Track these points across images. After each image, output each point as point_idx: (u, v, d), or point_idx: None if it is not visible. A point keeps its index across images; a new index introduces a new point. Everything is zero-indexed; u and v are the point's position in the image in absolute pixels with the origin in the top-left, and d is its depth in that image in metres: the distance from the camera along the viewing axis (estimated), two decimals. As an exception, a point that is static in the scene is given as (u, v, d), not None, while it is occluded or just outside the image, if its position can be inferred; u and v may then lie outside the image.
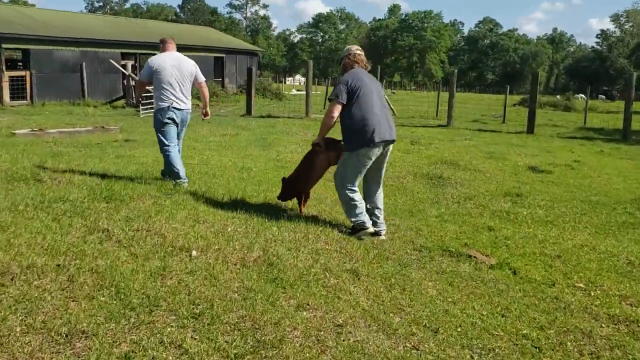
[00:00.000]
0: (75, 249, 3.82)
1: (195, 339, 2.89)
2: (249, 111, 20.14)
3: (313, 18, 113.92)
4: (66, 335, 2.76)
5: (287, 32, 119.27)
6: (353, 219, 5.28)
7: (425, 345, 3.19)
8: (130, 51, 27.79)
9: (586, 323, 3.74)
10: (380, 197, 5.50)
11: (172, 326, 2.97)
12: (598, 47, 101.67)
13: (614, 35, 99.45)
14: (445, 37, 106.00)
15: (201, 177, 7.38)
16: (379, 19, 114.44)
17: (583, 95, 55.67)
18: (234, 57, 35.61)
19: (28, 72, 23.15)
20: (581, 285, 4.50)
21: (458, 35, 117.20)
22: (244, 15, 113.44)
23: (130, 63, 25.86)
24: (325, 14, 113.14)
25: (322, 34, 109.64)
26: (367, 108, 5.13)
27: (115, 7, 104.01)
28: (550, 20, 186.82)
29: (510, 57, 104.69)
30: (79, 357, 2.63)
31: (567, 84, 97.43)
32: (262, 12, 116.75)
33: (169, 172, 6.68)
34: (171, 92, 6.51)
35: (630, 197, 8.09)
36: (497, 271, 4.69)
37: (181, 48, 26.71)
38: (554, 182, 9.17)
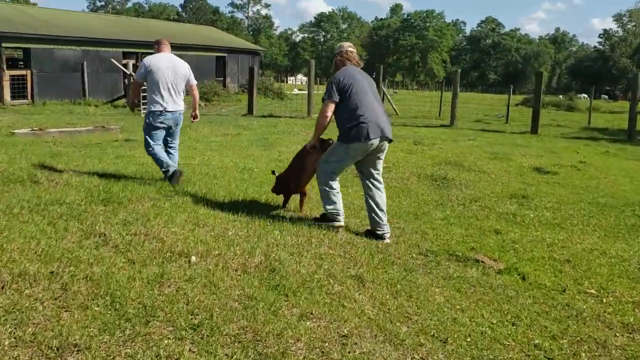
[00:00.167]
0: (70, 255, 3.67)
1: (193, 351, 2.75)
2: (250, 111, 20.02)
3: (315, 17, 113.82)
4: (57, 349, 2.61)
5: (289, 32, 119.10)
6: (328, 207, 5.23)
7: (434, 357, 3.05)
8: (132, 50, 27.66)
9: (600, 332, 3.61)
10: (382, 198, 5.37)
11: (169, 338, 2.83)
12: (600, 46, 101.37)
13: (616, 35, 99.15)
14: (447, 37, 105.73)
15: (202, 179, 7.25)
16: (381, 19, 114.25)
17: (586, 95, 55.59)
18: (236, 57, 35.49)
19: (29, 71, 23.03)
20: (593, 291, 4.36)
21: (460, 35, 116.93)
22: (246, 14, 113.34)
23: (131, 62, 25.68)
24: (327, 13, 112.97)
25: (324, 33, 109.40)
26: (361, 104, 5.07)
27: (117, 7, 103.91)
28: (552, 20, 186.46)
29: (512, 57, 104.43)
30: (70, 372, 2.50)
31: (570, 84, 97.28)
32: (264, 12, 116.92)
33: (159, 165, 6.65)
34: (164, 94, 6.48)
35: (638, 199, 7.95)
36: (505, 276, 4.55)
37: (183, 47, 26.63)
38: (560, 184, 9.03)
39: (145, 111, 6.83)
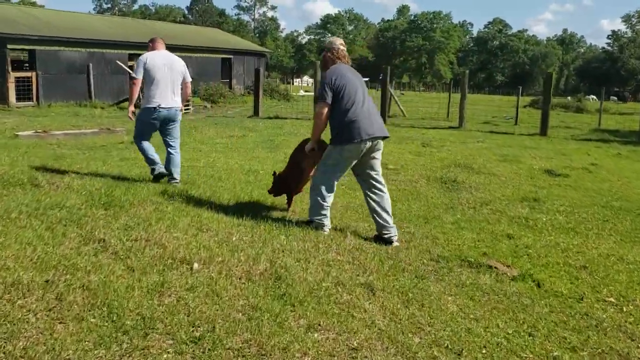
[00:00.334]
0: (66, 262, 3.51)
1: (194, 366, 2.59)
2: (256, 112, 19.90)
3: (321, 19, 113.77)
4: (49, 365, 2.46)
5: (295, 33, 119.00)
6: (315, 218, 5.11)
7: (449, 371, 2.88)
8: (138, 52, 27.51)
9: (622, 343, 3.43)
10: (385, 199, 5.21)
11: (168, 352, 2.67)
12: (609, 48, 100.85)
13: (625, 36, 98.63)
14: (454, 38, 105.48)
15: (206, 181, 7.11)
16: (388, 20, 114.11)
17: (594, 97, 55.26)
18: (242, 58, 35.42)
19: (34, 73, 22.99)
20: (612, 299, 4.19)
21: (467, 36, 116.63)
22: (252, 16, 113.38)
23: (137, 64, 25.67)
24: (333, 15, 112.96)
25: (330, 35, 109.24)
26: (353, 105, 4.94)
27: (124, 9, 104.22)
28: (559, 21, 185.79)
29: (520, 59, 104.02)
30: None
31: (577, 85, 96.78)
32: (270, 14, 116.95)
33: (146, 161, 6.79)
34: (160, 91, 6.50)
35: (654, 203, 7.74)
36: (519, 283, 4.38)
37: (189, 49, 26.65)
38: (571, 186, 8.84)
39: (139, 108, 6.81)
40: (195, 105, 25.07)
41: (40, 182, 5.93)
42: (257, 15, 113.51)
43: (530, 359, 3.14)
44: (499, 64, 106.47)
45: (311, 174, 5.61)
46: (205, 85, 28.72)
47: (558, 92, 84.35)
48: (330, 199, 5.13)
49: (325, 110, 4.98)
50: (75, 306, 2.95)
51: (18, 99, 22.24)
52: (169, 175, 6.74)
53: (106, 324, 2.83)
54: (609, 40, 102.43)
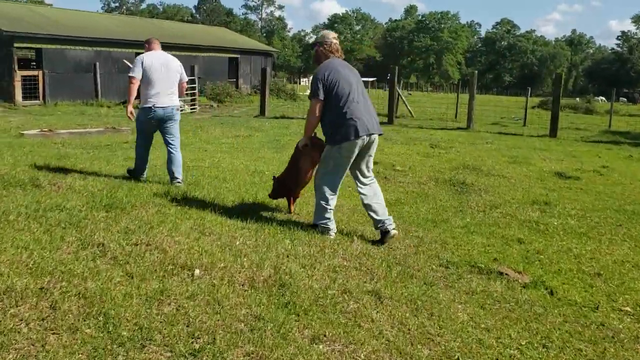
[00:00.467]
0: (63, 268, 3.38)
1: (193, 381, 2.46)
2: (262, 112, 19.81)
3: (328, 19, 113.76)
4: (40, 379, 2.34)
5: (302, 33, 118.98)
6: (320, 222, 4.98)
7: (461, 387, 2.74)
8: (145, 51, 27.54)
9: (640, 357, 3.28)
10: (377, 191, 5.14)
11: (166, 366, 2.54)
12: (618, 48, 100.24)
13: (635, 36, 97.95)
14: (462, 39, 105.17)
15: (211, 182, 6.98)
16: (395, 20, 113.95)
17: (603, 98, 54.89)
18: (249, 58, 35.36)
19: (41, 72, 22.96)
20: (628, 309, 4.03)
21: (475, 37, 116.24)
22: (260, 16, 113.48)
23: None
24: (340, 14, 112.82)
25: (337, 34, 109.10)
26: (347, 100, 4.80)
27: (132, 8, 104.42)
28: (568, 21, 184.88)
29: (528, 59, 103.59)
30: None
31: (586, 87, 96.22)
32: (277, 13, 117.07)
33: (135, 164, 6.93)
34: (157, 91, 6.55)
35: (668, 207, 7.55)
36: (531, 291, 4.23)
37: (196, 48, 26.63)
38: (582, 189, 8.66)
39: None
40: (202, 105, 24.99)
41: (42, 182, 5.83)
42: (264, 15, 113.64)
43: (544, 373, 2.99)
44: (507, 65, 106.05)
45: (309, 175, 5.53)
46: (212, 85, 28.65)
47: (566, 93, 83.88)
48: (333, 201, 5.01)
49: (318, 106, 4.86)
50: (70, 315, 2.82)
51: (24, 98, 22.22)
52: (171, 176, 6.69)
53: (101, 334, 2.70)
54: (618, 41, 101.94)
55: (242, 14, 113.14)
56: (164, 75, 6.59)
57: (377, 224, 5.05)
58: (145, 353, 2.61)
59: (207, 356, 2.65)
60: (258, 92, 26.16)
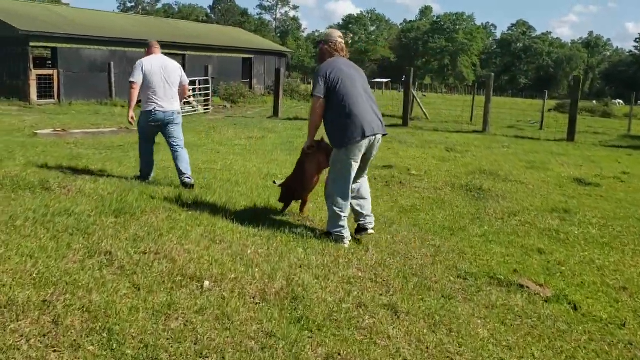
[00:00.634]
0: (68, 279, 3.26)
1: (199, 405, 2.32)
2: (276, 113, 19.70)
3: (343, 19, 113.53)
4: (38, 401, 2.21)
5: (317, 34, 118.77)
6: (334, 230, 4.87)
7: (483, 412, 2.59)
8: (161, 51, 27.54)
9: (672, 379, 3.11)
10: (365, 186, 5.10)
11: (172, 387, 2.41)
12: (636, 51, 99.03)
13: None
14: (477, 40, 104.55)
15: (222, 185, 6.87)
16: (410, 21, 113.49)
17: (621, 101, 54.15)
18: (263, 58, 35.28)
19: (56, 71, 23.01)
20: (657, 326, 3.84)
21: (490, 39, 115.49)
22: (274, 16, 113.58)
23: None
24: (355, 15, 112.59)
25: (352, 35, 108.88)
26: (350, 99, 4.69)
27: (147, 8, 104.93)
28: (584, 23, 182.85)
29: (544, 61, 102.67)
30: None
31: (603, 89, 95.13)
32: (292, 14, 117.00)
33: (140, 167, 6.97)
34: (158, 95, 6.60)
35: (694, 216, 7.31)
36: (554, 305, 4.05)
37: (210, 49, 26.48)
38: (603, 197, 8.43)
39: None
40: (215, 105, 24.94)
41: (52, 185, 5.74)
42: (279, 15, 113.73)
43: (570, 396, 2.83)
44: (523, 67, 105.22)
45: (316, 179, 5.47)
46: (226, 85, 28.60)
47: (583, 96, 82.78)
48: (347, 207, 4.88)
49: (320, 104, 4.75)
50: (73, 331, 2.69)
51: (39, 97, 22.28)
52: (179, 173, 6.71)
53: (105, 352, 2.56)
54: (636, 44, 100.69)
55: (257, 14, 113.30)
56: (164, 79, 6.64)
57: (359, 217, 5.04)
58: (150, 373, 2.48)
59: (216, 377, 2.51)
60: (271, 93, 26.06)
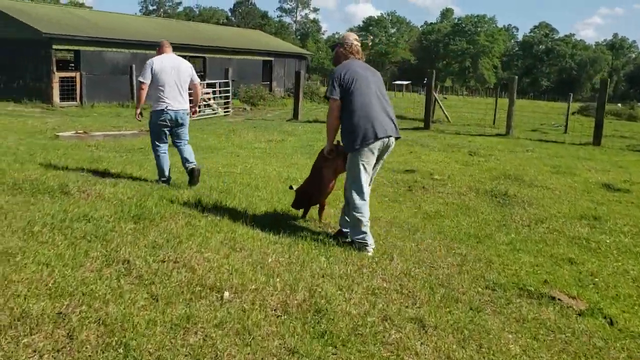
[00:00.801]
0: (84, 289, 3.15)
1: None
2: (295, 116, 19.60)
3: (363, 21, 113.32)
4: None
5: (337, 36, 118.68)
6: (357, 237, 4.76)
7: None
8: (182, 54, 27.50)
9: None
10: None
11: (190, 408, 2.29)
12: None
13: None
14: (499, 42, 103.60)
15: (242, 190, 6.76)
16: (431, 23, 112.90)
17: (647, 104, 53.11)
18: (283, 61, 35.26)
19: (78, 73, 23.20)
20: (699, 344, 3.64)
21: (512, 41, 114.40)
22: (294, 18, 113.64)
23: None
24: (375, 17, 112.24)
25: (372, 37, 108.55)
26: (364, 102, 4.64)
27: (169, 10, 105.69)
28: (609, 25, 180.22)
29: (567, 64, 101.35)
30: None
31: (627, 92, 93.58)
32: (312, 16, 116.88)
33: (158, 170, 6.94)
34: (168, 94, 6.60)
35: None
36: (588, 319, 3.87)
37: (230, 51, 26.51)
38: (634, 203, 8.15)
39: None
40: (235, 108, 24.92)
41: (71, 189, 5.67)
42: (299, 18, 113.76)
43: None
44: (545, 69, 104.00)
45: (333, 184, 5.38)
46: (246, 88, 28.60)
47: (607, 99, 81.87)
48: (366, 210, 4.76)
49: (335, 105, 4.71)
50: (88, 346, 2.57)
51: (62, 99, 22.47)
52: (184, 162, 6.79)
53: (120, 369, 2.46)
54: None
55: (277, 16, 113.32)
56: (174, 78, 6.65)
57: (344, 224, 4.99)
58: (167, 393, 2.36)
59: (236, 398, 2.38)
60: (291, 95, 26.00)
